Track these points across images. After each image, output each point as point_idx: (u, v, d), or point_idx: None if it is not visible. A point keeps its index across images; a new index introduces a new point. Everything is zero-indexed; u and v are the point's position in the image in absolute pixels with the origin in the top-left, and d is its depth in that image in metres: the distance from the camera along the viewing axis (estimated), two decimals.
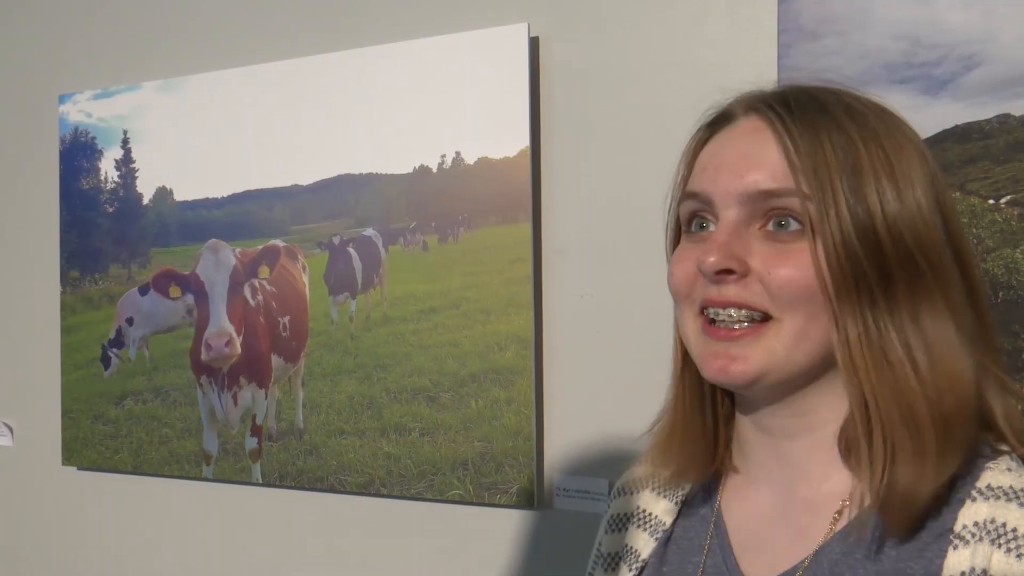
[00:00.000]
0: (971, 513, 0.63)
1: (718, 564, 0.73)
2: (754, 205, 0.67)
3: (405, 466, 1.40)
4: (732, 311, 0.67)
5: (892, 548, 0.65)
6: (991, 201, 1.04)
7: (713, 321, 0.68)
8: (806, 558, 0.68)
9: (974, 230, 1.04)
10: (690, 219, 0.72)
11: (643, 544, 0.80)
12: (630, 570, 0.79)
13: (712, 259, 0.66)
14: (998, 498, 0.62)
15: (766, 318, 0.66)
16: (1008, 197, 1.03)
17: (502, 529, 1.35)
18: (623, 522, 0.85)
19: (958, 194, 1.04)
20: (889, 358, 0.64)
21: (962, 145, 1.05)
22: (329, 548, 1.50)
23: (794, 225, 0.66)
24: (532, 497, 1.30)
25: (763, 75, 1.11)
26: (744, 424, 0.75)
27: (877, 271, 0.64)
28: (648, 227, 1.23)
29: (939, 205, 0.67)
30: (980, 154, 1.04)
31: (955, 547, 0.62)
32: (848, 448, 0.67)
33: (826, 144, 0.65)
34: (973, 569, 0.60)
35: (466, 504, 1.36)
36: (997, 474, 0.64)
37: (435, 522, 1.40)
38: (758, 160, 0.67)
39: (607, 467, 1.27)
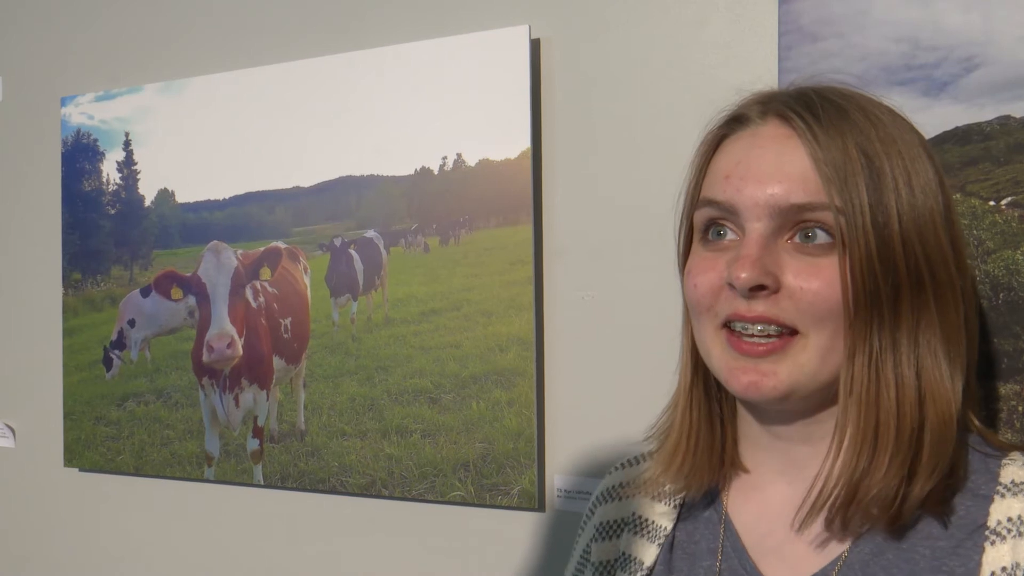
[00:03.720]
0: (1003, 509, 0.63)
1: (735, 568, 0.72)
2: (784, 217, 0.65)
3: (406, 467, 1.40)
4: (760, 326, 0.65)
5: (926, 547, 0.64)
6: (992, 203, 1.04)
7: (739, 334, 0.66)
8: (837, 560, 0.67)
9: (975, 232, 1.04)
10: (707, 226, 0.70)
11: (645, 551, 0.78)
12: None
13: (745, 275, 0.64)
14: None
15: (792, 332, 0.65)
16: (1009, 199, 1.03)
17: (503, 530, 1.35)
18: (615, 529, 0.83)
19: (959, 195, 1.05)
20: (881, 377, 0.64)
21: (962, 147, 1.05)
22: (330, 549, 1.50)
23: (822, 237, 0.64)
24: (533, 499, 1.30)
25: (763, 77, 1.11)
26: (753, 427, 0.74)
27: (891, 287, 0.63)
28: (650, 228, 1.24)
29: (946, 210, 0.66)
30: (980, 156, 1.04)
31: (992, 543, 0.62)
32: None
33: (852, 152, 0.63)
34: (1017, 564, 0.60)
35: (467, 506, 1.36)
36: (1017, 469, 0.64)
37: (436, 523, 1.40)
38: (787, 171, 0.65)
39: (608, 469, 1.27)
